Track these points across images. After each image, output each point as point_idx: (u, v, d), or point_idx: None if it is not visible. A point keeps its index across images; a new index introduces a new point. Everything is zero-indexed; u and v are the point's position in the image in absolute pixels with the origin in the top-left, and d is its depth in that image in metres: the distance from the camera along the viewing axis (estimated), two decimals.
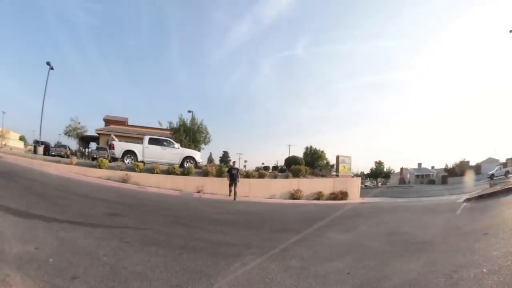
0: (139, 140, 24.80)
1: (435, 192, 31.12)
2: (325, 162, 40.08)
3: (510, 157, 52.08)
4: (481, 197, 14.64)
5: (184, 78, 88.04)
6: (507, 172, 46.78)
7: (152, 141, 24.08)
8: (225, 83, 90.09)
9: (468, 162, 71.52)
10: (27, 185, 10.80)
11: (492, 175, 48.77)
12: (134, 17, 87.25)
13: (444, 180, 66.67)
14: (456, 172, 65.90)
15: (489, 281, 3.64)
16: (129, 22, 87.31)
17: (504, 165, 53.37)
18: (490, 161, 65.02)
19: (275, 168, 37.81)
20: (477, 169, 65.62)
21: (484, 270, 4.09)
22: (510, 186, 14.95)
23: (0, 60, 74.11)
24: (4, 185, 9.62)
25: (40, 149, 28.94)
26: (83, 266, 3.97)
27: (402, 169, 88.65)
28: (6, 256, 3.75)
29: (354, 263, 5.06)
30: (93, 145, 45.25)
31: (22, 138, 56.86)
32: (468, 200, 14.78)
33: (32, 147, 34.61)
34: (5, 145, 40.96)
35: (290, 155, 41.90)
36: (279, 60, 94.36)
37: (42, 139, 32.92)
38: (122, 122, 47.72)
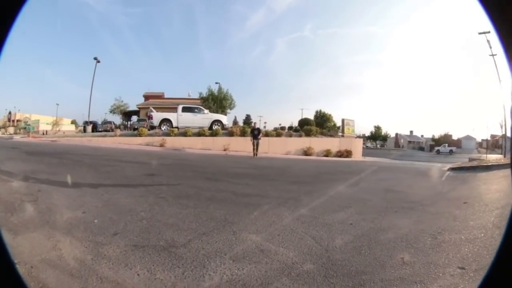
0: (174, 109, 25.09)
1: (425, 158, 31.45)
2: (332, 124, 39.65)
3: (485, 138, 53.99)
4: (461, 169, 14.76)
5: (211, 57, 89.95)
6: (451, 151, 52.93)
7: (185, 109, 24.34)
8: (246, 59, 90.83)
9: (451, 135, 72.25)
10: (77, 159, 10.99)
11: (438, 150, 54.86)
12: (167, 14, 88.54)
13: (431, 148, 67.30)
14: (441, 142, 65.88)
15: (466, 249, 3.53)
16: (163, 18, 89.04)
17: (480, 144, 58.88)
18: (468, 138, 66.80)
19: (290, 128, 37.64)
20: (458, 143, 67.35)
21: (462, 237, 4.00)
22: (485, 164, 15.02)
23: (55, 59, 77.82)
24: (56, 163, 9.76)
25: (89, 128, 29.63)
26: (123, 222, 4.00)
27: (397, 134, 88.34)
28: (57, 224, 3.80)
29: (356, 215, 5.04)
30: (134, 118, 45.68)
31: (73, 122, 58.06)
32: (451, 169, 14.86)
33: (82, 128, 35.46)
34: (59, 130, 42.06)
35: (303, 117, 41.54)
36: (291, 40, 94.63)
37: (91, 120, 33.76)
38: (159, 96, 47.62)
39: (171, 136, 21.17)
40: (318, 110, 44.24)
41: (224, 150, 19.89)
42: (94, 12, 79.05)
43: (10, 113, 52.43)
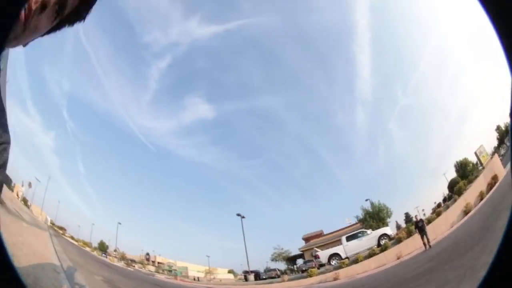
0: (338, 242, 25.77)
1: None
2: (470, 165, 34.85)
3: None
4: None
5: (344, 176, 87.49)
6: None
7: (349, 238, 24.64)
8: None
9: None
10: None
11: None
12: (289, 158, 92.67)
13: None
14: None
15: None
16: (288, 162, 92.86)
17: None
18: None
19: (444, 200, 33.73)
20: None
21: None
22: None
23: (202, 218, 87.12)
24: None
25: (251, 277, 31.11)
26: None
27: None
28: None
29: None
30: (299, 261, 46.48)
31: (231, 271, 60.42)
32: None
33: (243, 276, 37.50)
34: (214, 278, 44.67)
35: (449, 179, 37.71)
36: None
37: (251, 269, 35.72)
38: (319, 235, 48.35)
39: (342, 267, 21.24)
40: (457, 161, 39.78)
41: (398, 258, 18.97)
42: (213, 170, 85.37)
43: (148, 254, 56.79)
